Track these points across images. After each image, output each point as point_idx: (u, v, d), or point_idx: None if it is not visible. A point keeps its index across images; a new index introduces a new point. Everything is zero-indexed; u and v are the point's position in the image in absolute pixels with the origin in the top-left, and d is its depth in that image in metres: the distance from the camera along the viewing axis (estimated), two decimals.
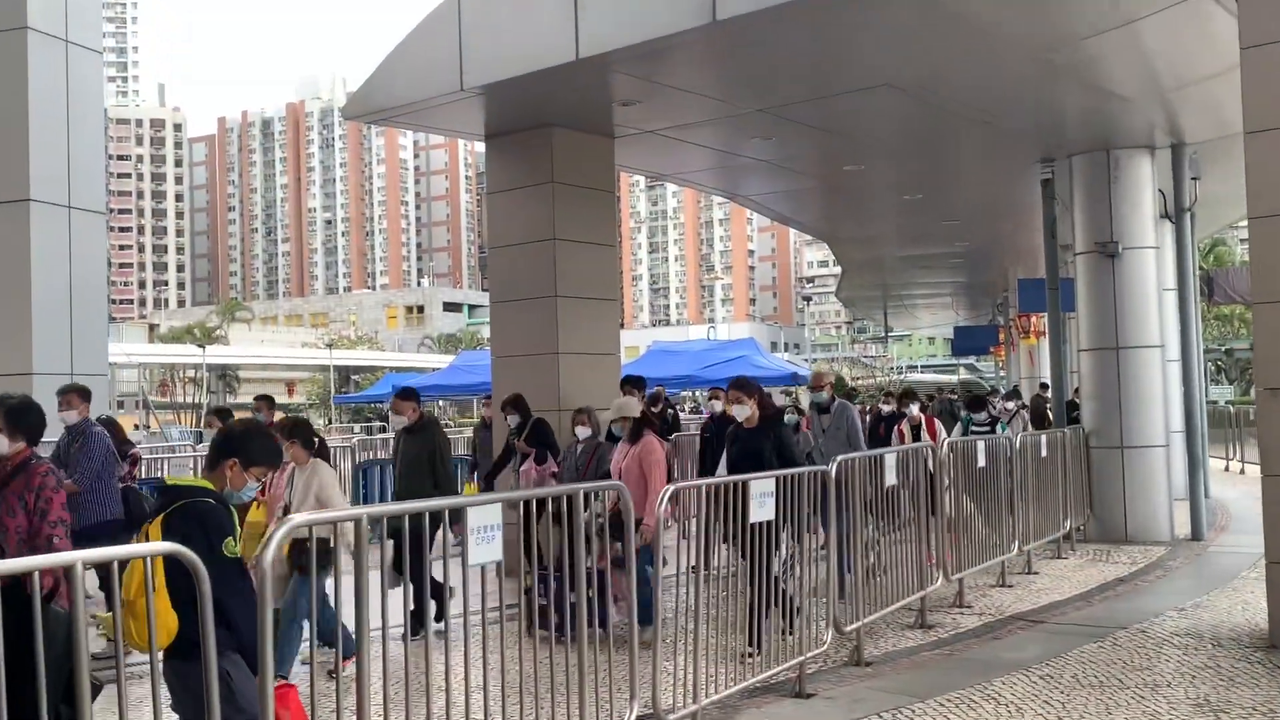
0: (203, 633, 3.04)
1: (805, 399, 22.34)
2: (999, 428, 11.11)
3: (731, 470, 6.88)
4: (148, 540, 3.56)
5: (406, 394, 8.24)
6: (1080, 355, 12.34)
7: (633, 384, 10.33)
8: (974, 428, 11.23)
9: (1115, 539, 11.66)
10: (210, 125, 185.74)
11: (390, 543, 4.17)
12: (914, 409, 10.82)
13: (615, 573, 5.98)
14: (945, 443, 8.55)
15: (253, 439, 3.96)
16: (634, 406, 7.73)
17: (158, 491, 3.79)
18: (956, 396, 28.03)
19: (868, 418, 15.65)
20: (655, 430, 7.67)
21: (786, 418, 8.52)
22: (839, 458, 6.80)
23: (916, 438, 10.39)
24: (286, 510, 6.53)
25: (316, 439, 6.71)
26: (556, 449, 9.67)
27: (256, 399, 10.38)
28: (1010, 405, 13.47)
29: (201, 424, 55.88)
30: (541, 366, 10.37)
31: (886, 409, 12.42)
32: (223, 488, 3.84)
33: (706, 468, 10.28)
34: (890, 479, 7.45)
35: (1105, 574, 9.85)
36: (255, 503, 6.51)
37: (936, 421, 10.90)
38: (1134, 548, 11.23)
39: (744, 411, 7.14)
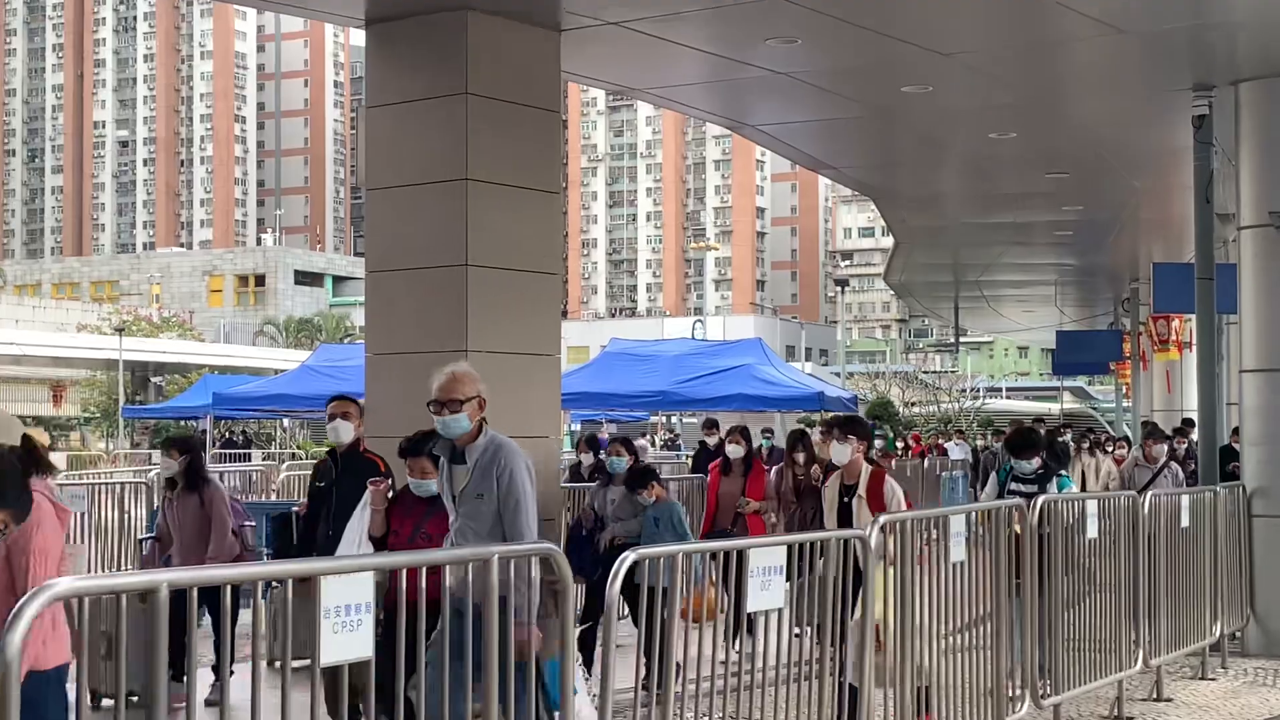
0: None
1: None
2: (1058, 484, 10.22)
3: None
4: None
5: None
6: (1242, 378, 12.46)
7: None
8: (1015, 484, 10.24)
9: None
10: None
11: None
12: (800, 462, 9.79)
13: None
14: (1038, 503, 8.60)
15: (4, 475, 3.97)
16: (12, 427, 5.79)
17: None
18: (1067, 435, 28.12)
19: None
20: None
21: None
22: (883, 518, 6.85)
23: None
24: None
25: None
26: None
27: (166, 443, 10.01)
28: (1160, 449, 13.35)
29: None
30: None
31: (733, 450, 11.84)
32: None
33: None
34: (957, 553, 7.51)
35: (1273, 704, 9.91)
36: None
37: (891, 483, 9.25)
38: None
39: None
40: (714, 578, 5.94)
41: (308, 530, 9.34)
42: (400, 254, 10.71)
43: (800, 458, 12.62)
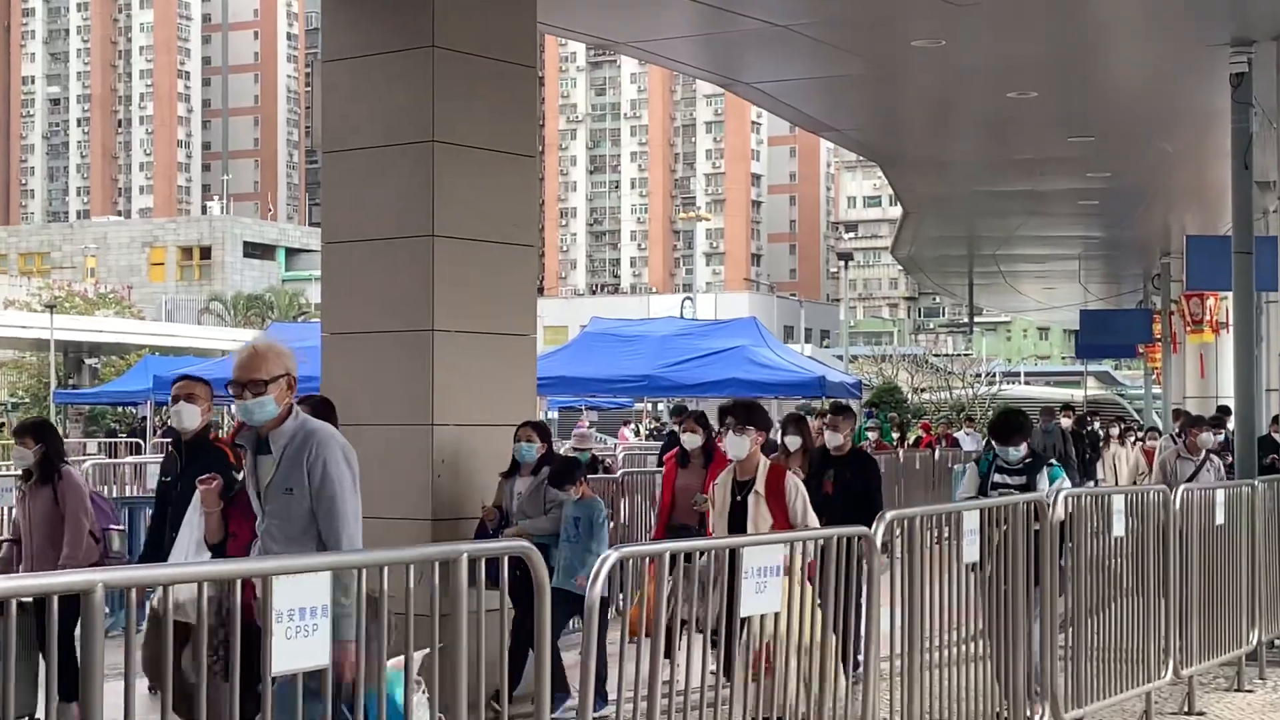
0: None
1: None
2: (1046, 477, 10.05)
3: None
4: None
5: None
6: None
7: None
8: (999, 475, 10.13)
9: None
10: None
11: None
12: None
13: None
14: (1058, 493, 8.61)
15: None
16: None
17: None
18: (1094, 425, 28.15)
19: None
20: None
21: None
22: (890, 514, 6.86)
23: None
24: None
25: None
26: None
27: (19, 429, 9.63)
28: (1205, 437, 13.42)
29: None
30: (405, 352, 10.33)
31: None
32: None
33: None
34: (970, 553, 7.53)
35: None
36: None
37: (792, 478, 9.35)
38: None
39: None
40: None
41: (156, 532, 8.81)
42: (360, 224, 10.70)
43: (791, 443, 11.78)
